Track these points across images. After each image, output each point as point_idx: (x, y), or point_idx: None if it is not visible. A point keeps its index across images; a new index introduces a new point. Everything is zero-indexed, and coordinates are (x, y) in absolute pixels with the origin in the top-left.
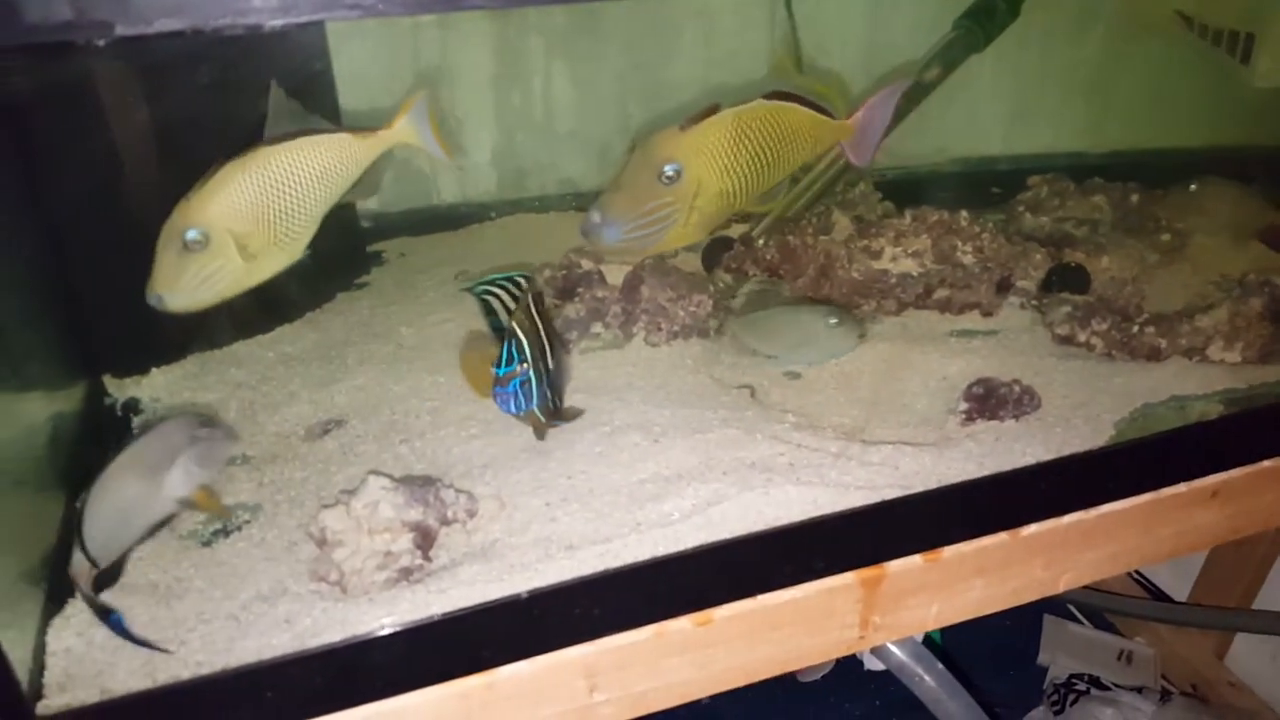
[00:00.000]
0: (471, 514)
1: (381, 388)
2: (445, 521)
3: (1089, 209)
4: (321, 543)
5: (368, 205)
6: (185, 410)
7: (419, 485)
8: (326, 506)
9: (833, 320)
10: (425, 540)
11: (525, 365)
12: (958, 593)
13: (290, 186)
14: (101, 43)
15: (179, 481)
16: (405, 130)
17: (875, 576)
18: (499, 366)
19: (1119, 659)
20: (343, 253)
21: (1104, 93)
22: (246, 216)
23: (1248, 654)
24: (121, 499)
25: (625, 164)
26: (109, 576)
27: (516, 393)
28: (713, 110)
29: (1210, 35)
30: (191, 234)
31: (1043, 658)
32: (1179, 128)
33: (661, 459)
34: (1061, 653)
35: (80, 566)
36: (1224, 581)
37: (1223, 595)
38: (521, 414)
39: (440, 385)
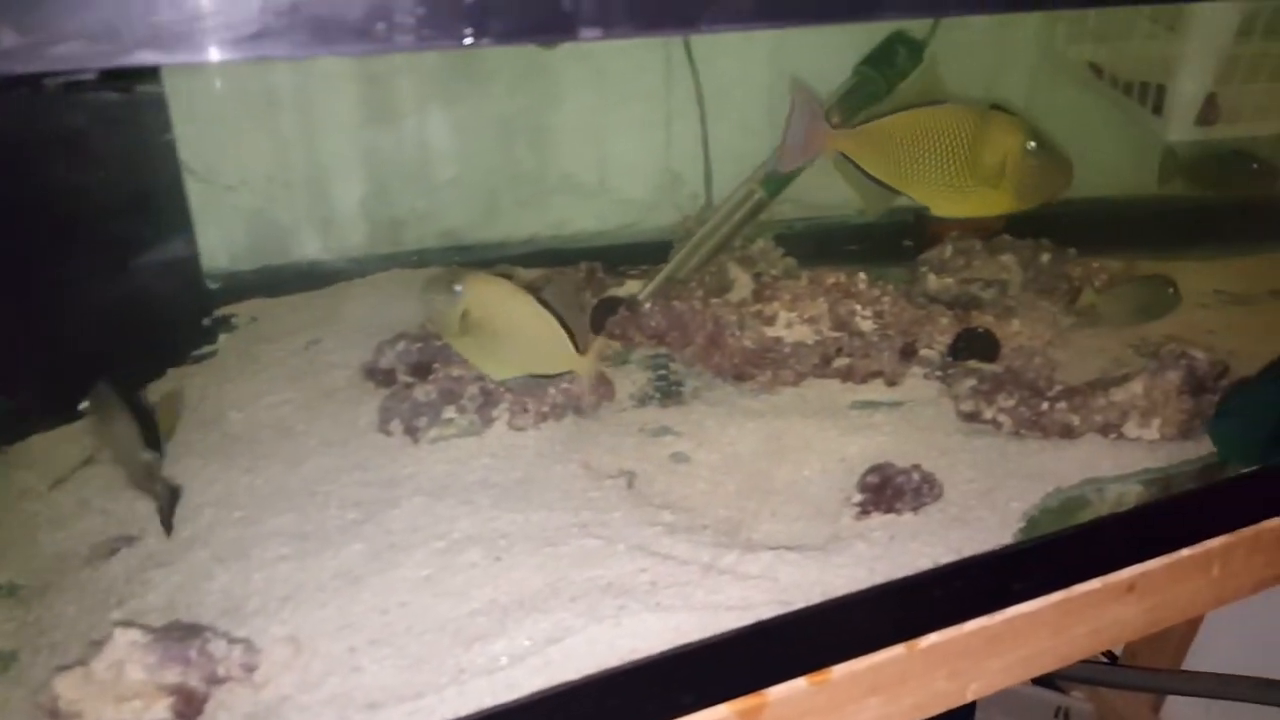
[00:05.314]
0: (249, 669)
1: (190, 491)
2: (215, 680)
3: (996, 269)
4: (54, 715)
5: (216, 264)
6: None
7: (177, 638)
8: (62, 668)
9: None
10: (189, 706)
11: None
12: (850, 714)
13: None
14: None
15: None
16: None
17: (755, 706)
18: None
19: (1056, 716)
20: (177, 320)
21: None
22: None
23: (1185, 708)
24: None
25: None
26: None
27: None
28: None
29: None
30: None
31: (980, 716)
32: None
33: (501, 582)
34: (997, 710)
35: None
36: (1157, 638)
37: (1156, 652)
38: None
39: (256, 488)
